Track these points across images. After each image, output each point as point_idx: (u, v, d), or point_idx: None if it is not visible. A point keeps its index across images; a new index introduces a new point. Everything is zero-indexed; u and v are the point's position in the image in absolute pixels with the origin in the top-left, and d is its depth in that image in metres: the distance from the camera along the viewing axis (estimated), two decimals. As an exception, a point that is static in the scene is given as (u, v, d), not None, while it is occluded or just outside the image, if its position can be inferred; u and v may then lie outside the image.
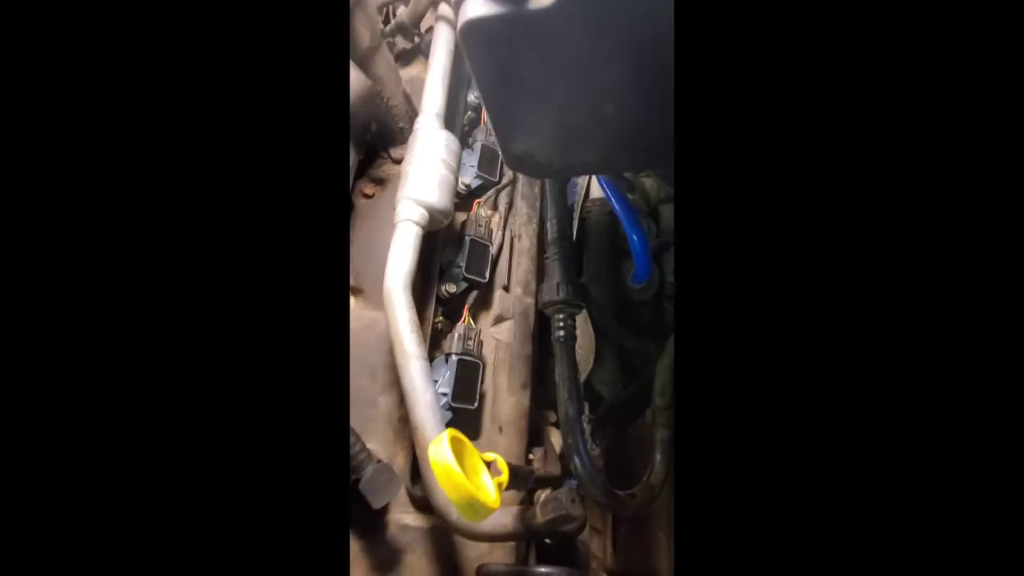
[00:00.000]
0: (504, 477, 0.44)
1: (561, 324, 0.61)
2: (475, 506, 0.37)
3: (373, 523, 0.61)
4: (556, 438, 0.83)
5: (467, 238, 0.74)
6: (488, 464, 0.45)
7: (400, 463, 0.64)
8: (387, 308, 0.61)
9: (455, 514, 0.45)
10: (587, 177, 0.91)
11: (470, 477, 0.40)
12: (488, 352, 0.75)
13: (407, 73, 0.93)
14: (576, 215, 0.85)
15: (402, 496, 0.63)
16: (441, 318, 0.75)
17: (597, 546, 0.83)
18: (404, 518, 0.63)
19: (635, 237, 0.61)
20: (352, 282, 0.71)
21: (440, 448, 0.38)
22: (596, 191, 0.90)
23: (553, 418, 0.83)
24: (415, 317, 0.61)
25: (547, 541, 0.83)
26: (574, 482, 0.77)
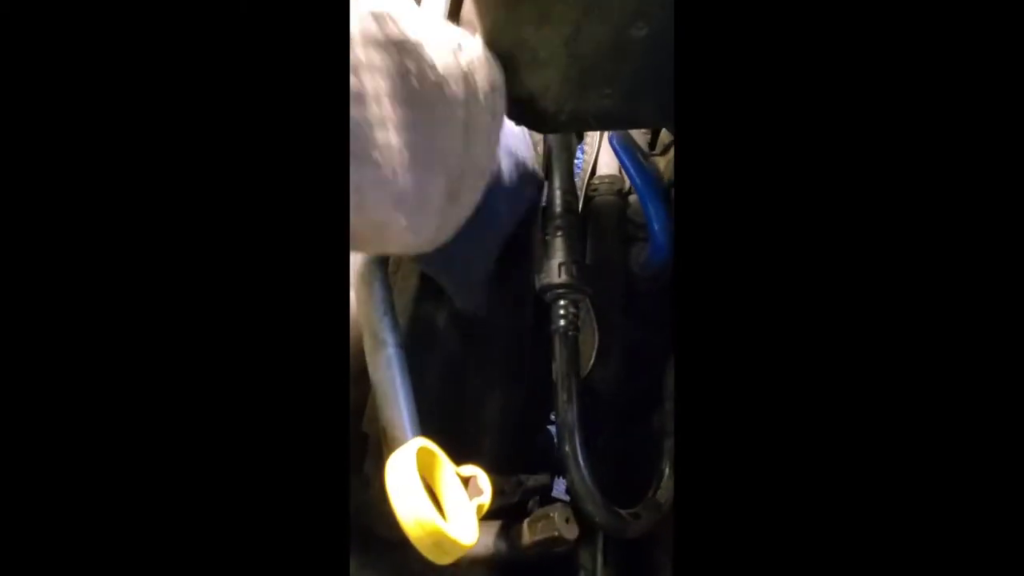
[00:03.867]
0: (486, 502, 0.35)
1: (562, 313, 0.52)
2: (444, 546, 0.28)
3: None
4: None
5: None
6: (466, 481, 0.36)
7: (368, 468, 0.55)
8: (357, 287, 0.52)
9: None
10: (594, 150, 0.82)
11: (442, 500, 0.31)
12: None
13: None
14: (581, 194, 0.76)
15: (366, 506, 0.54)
16: (423, 302, 0.66)
17: (586, 557, 0.75)
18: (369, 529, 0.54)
19: (653, 211, 0.52)
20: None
21: (401, 467, 0.29)
22: (603, 168, 0.81)
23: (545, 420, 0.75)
24: (389, 298, 0.53)
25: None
26: (563, 485, 0.69)
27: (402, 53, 0.31)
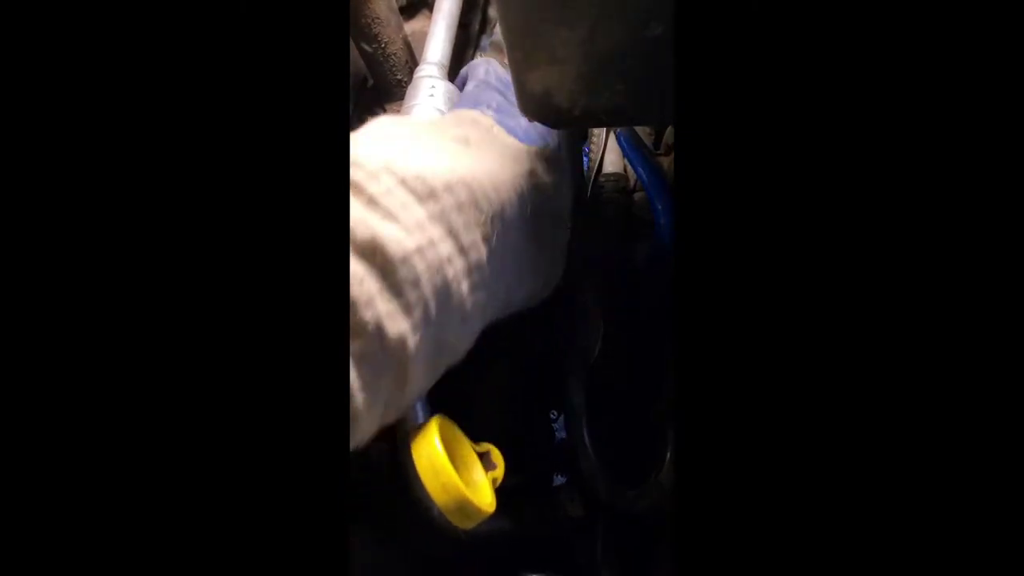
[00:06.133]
0: (499, 472, 0.37)
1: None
2: (467, 510, 0.30)
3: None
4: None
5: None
6: (481, 456, 0.38)
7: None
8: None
9: (436, 511, 0.38)
10: (600, 149, 0.84)
11: (461, 473, 0.33)
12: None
13: (409, 27, 0.85)
14: (588, 190, 0.78)
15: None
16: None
17: (586, 537, 0.77)
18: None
19: (660, 206, 0.54)
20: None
21: (427, 438, 0.31)
22: (608, 167, 0.83)
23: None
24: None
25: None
26: (562, 479, 0.71)
27: None
